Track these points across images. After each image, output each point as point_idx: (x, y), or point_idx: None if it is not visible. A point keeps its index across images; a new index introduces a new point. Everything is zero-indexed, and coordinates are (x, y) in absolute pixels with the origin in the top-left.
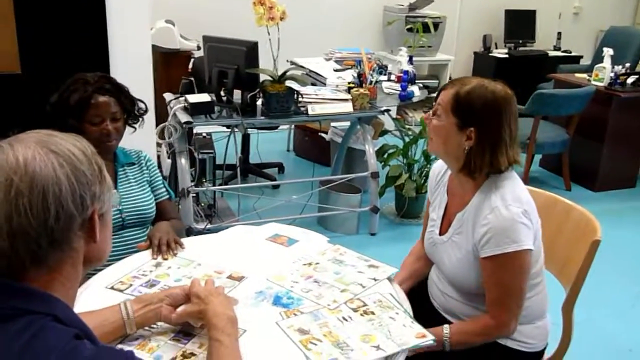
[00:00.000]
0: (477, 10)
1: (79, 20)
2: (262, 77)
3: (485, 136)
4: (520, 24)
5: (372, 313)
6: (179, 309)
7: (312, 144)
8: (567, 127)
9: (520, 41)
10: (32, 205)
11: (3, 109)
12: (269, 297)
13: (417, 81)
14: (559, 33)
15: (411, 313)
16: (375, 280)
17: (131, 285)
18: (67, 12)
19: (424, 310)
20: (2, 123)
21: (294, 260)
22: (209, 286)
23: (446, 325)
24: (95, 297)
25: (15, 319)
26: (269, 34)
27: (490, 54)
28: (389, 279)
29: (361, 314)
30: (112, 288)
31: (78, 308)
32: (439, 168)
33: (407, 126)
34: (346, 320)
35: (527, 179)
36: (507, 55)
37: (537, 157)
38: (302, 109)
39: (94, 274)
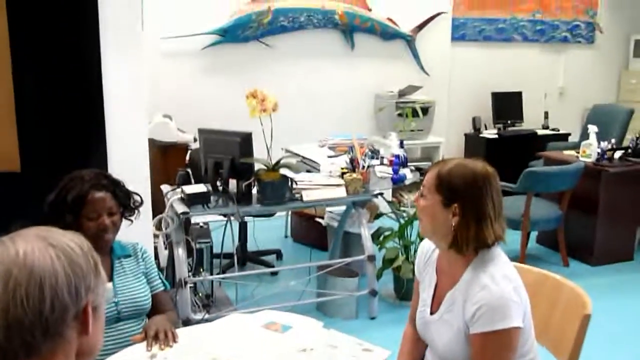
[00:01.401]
0: (465, 94)
1: (77, 117)
2: (257, 166)
3: (469, 211)
4: (507, 105)
5: None
6: None
7: (309, 229)
8: (559, 203)
9: (509, 121)
10: (28, 296)
11: (3, 206)
12: None
13: (409, 164)
14: (546, 112)
15: None
16: None
17: None
18: (66, 110)
19: None
20: (3, 220)
21: (288, 346)
22: None
23: None
24: None
25: None
26: (261, 124)
27: (481, 135)
28: None
29: None
30: None
31: None
32: (427, 247)
33: (402, 208)
34: None
35: (524, 257)
36: (496, 136)
37: (534, 234)
38: (297, 195)
39: None
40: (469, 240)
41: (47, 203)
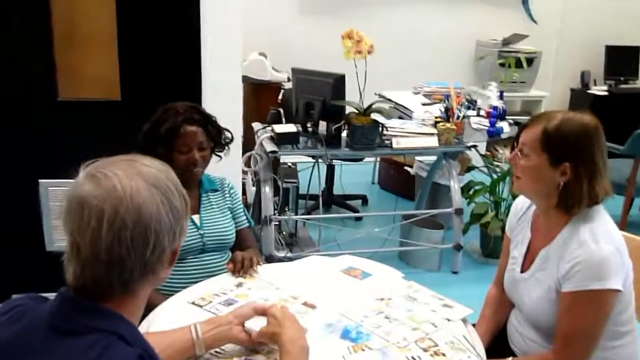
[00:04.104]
0: (575, 46)
1: (175, 52)
2: (348, 109)
3: (582, 169)
4: (621, 60)
5: (443, 354)
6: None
7: (397, 178)
8: None
9: (622, 78)
10: (134, 239)
11: (104, 133)
12: (337, 330)
13: (507, 117)
14: None
15: (484, 357)
16: (448, 320)
17: (210, 302)
18: (164, 44)
19: (503, 356)
20: (102, 147)
21: (366, 294)
22: (286, 311)
23: (511, 358)
24: (176, 311)
25: (84, 335)
26: (355, 67)
27: (589, 91)
28: (463, 320)
29: (431, 355)
30: (193, 303)
31: (161, 319)
32: (521, 204)
33: (495, 163)
34: (415, 359)
35: (625, 224)
36: (606, 93)
37: (637, 201)
38: (387, 141)
39: (179, 291)
40: (581, 199)
41: (141, 132)
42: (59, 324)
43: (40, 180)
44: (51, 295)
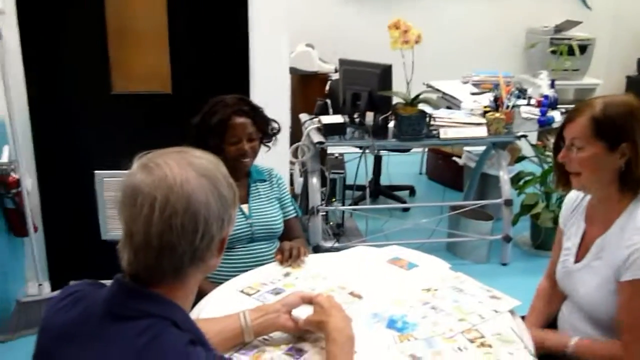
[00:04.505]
0: (631, 31)
1: (223, 46)
2: (396, 99)
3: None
4: None
5: (490, 346)
6: (300, 317)
7: (445, 168)
8: None
9: None
10: (184, 226)
11: (156, 125)
12: (383, 320)
13: (559, 106)
14: None
15: (532, 350)
16: (496, 312)
17: (259, 290)
18: (213, 38)
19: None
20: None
21: (412, 284)
22: (332, 300)
23: (577, 338)
24: (226, 299)
25: (138, 320)
26: (403, 57)
27: None
28: (511, 311)
29: (478, 346)
30: (242, 292)
31: (211, 306)
32: (575, 196)
33: (547, 153)
34: (461, 350)
35: None
36: None
37: None
38: (434, 132)
39: (228, 279)
40: None
41: (193, 125)
42: (114, 309)
43: (95, 172)
44: (107, 283)
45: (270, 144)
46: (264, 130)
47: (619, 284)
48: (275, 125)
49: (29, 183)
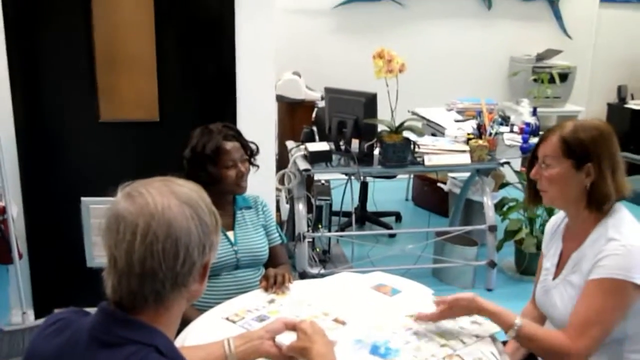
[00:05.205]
0: (611, 60)
1: (210, 75)
2: (381, 127)
3: (604, 165)
4: None
5: None
6: (283, 343)
7: (431, 194)
8: None
9: None
10: (165, 251)
11: (143, 152)
12: (366, 346)
13: (540, 133)
14: None
15: None
16: (477, 337)
17: (243, 318)
18: (201, 67)
19: None
20: (142, 165)
21: (395, 310)
22: (316, 326)
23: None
24: (210, 326)
25: (122, 347)
26: (387, 85)
27: (625, 106)
28: (492, 337)
29: None
30: (227, 319)
31: (196, 334)
32: (554, 221)
33: None
34: None
35: None
36: None
37: None
38: (419, 159)
39: (213, 306)
40: (609, 194)
41: (185, 159)
42: (99, 336)
43: (82, 198)
44: (92, 310)
45: (257, 163)
46: (250, 151)
47: (584, 283)
48: (254, 146)
49: (15, 210)
